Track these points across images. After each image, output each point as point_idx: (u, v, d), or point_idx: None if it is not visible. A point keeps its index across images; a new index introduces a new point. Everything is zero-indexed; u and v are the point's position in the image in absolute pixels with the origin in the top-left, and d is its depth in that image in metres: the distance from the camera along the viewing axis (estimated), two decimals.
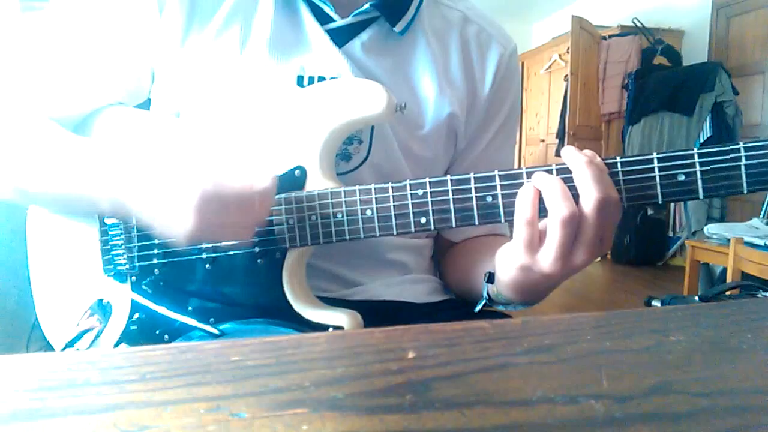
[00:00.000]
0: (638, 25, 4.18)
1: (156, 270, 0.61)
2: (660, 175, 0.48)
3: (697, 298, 1.44)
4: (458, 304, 0.73)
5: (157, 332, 0.61)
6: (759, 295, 1.30)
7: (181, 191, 0.48)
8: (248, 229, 0.52)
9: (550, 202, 0.47)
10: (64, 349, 0.62)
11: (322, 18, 0.64)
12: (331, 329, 0.58)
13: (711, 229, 2.51)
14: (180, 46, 0.62)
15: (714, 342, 0.34)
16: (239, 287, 0.60)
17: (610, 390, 0.27)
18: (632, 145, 3.96)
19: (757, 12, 3.69)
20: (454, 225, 0.52)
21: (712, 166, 0.47)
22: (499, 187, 0.51)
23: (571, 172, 0.48)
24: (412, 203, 0.53)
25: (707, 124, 3.48)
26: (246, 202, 0.49)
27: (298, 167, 0.57)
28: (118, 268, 0.62)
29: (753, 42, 3.74)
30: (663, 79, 3.83)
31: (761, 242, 2.08)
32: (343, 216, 0.55)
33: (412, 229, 0.53)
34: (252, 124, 0.61)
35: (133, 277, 0.62)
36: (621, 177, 0.48)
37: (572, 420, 0.25)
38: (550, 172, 0.49)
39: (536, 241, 0.49)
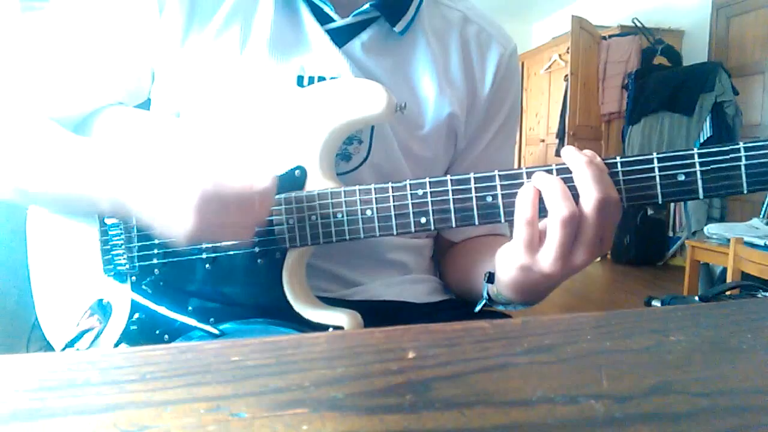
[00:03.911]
0: (638, 25, 4.17)
1: (156, 270, 0.61)
2: (660, 175, 0.48)
3: (697, 298, 1.44)
4: (458, 304, 0.73)
5: (157, 332, 0.61)
6: (759, 295, 1.30)
7: (181, 191, 0.48)
8: (248, 229, 0.52)
9: (550, 202, 0.47)
10: (64, 349, 0.62)
11: (322, 18, 0.64)
12: (331, 329, 0.58)
13: (711, 229, 2.51)
14: (180, 46, 0.62)
15: (714, 342, 0.34)
16: (239, 287, 0.60)
17: (610, 390, 0.27)
18: (632, 145, 3.96)
19: (757, 12, 3.69)
20: (454, 225, 0.52)
21: (712, 166, 0.47)
22: (499, 187, 0.51)
23: (571, 172, 0.48)
24: (412, 203, 0.53)
25: (707, 124, 3.48)
26: (246, 202, 0.49)
27: (298, 167, 0.57)
28: (118, 268, 0.62)
29: (753, 42, 3.74)
30: (663, 79, 3.83)
31: (761, 242, 2.08)
32: (343, 216, 0.55)
33: (412, 229, 0.53)
34: (252, 124, 0.61)
35: (133, 277, 0.62)
36: (621, 177, 0.48)
37: (572, 420, 0.25)
38: (550, 172, 0.49)
39: (536, 241, 0.49)
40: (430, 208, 0.53)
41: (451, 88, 0.68)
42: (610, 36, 4.27)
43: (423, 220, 0.53)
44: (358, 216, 0.55)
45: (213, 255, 0.59)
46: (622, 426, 0.24)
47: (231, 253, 0.59)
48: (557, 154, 4.45)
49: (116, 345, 0.61)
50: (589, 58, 4.27)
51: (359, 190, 0.54)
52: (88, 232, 0.64)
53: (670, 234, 3.97)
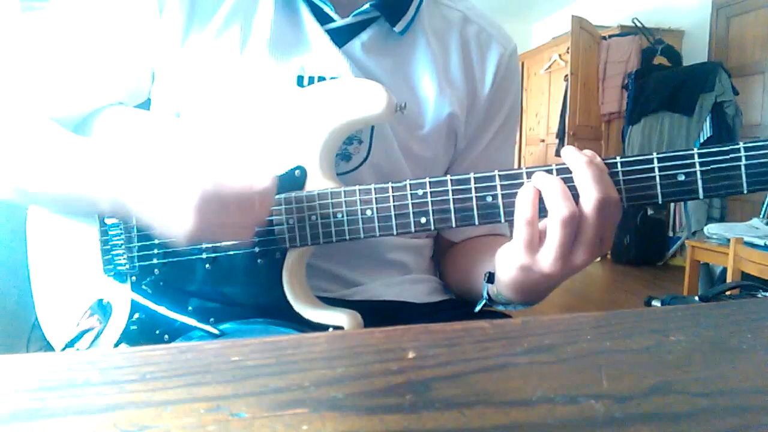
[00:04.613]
0: (638, 25, 4.17)
1: (156, 270, 0.61)
2: (660, 175, 0.48)
3: (697, 298, 1.44)
4: (458, 304, 0.73)
5: (157, 332, 0.61)
6: (759, 295, 1.30)
7: (181, 191, 0.48)
8: (248, 229, 0.52)
9: (550, 202, 0.47)
10: (64, 349, 0.62)
11: (322, 18, 0.64)
12: (331, 329, 0.58)
13: (711, 229, 2.51)
14: (180, 46, 0.62)
15: (714, 342, 0.34)
16: (239, 287, 0.60)
17: (610, 390, 0.27)
18: (632, 145, 3.96)
19: (757, 12, 3.69)
20: (454, 225, 0.52)
21: (712, 166, 0.47)
22: (499, 187, 0.51)
23: (571, 172, 0.48)
24: (412, 203, 0.53)
25: (707, 124, 3.48)
26: (246, 202, 0.49)
27: (298, 167, 0.57)
28: (118, 268, 0.62)
29: (753, 42, 3.74)
30: (663, 79, 3.83)
31: (761, 242, 2.08)
32: (343, 216, 0.55)
33: (412, 229, 0.53)
34: (252, 124, 0.61)
35: (133, 277, 0.62)
36: (621, 177, 0.48)
37: (572, 420, 0.25)
38: (550, 172, 0.49)
39: (536, 241, 0.49)
40: (430, 208, 0.53)
41: (451, 88, 0.68)
42: (610, 36, 4.27)
43: (423, 220, 0.53)
44: (358, 216, 0.55)
45: (213, 255, 0.59)
46: (622, 426, 0.24)
47: (231, 253, 0.59)
48: (557, 154, 4.45)
49: (116, 345, 0.61)
50: (589, 58, 4.27)
51: (359, 190, 0.54)
52: (88, 232, 0.64)
53: (670, 234, 3.97)
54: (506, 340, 0.34)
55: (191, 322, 0.59)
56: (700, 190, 0.47)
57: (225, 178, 0.49)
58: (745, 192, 0.46)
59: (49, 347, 0.67)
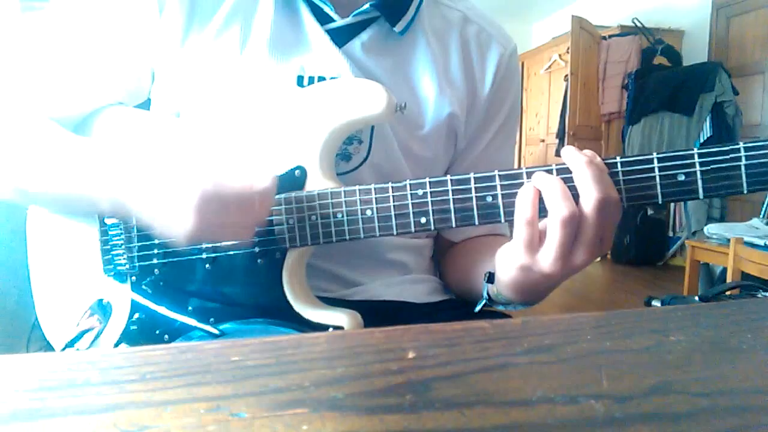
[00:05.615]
0: (638, 25, 4.18)
1: (156, 270, 0.61)
2: (660, 175, 0.48)
3: (697, 298, 1.44)
4: (458, 304, 0.73)
5: (157, 332, 0.61)
6: (759, 295, 1.30)
7: (181, 191, 0.48)
8: (248, 229, 0.52)
9: (550, 202, 0.47)
10: (64, 349, 0.62)
11: (322, 18, 0.64)
12: (331, 329, 0.58)
13: (711, 229, 2.51)
14: (180, 46, 0.62)
15: (714, 342, 0.34)
16: (239, 287, 0.60)
17: (610, 390, 0.27)
18: (632, 145, 3.96)
19: (757, 12, 3.69)
20: (454, 225, 0.52)
21: (712, 166, 0.47)
22: (499, 187, 0.51)
23: (571, 172, 0.48)
24: (412, 203, 0.53)
25: (707, 124, 3.48)
26: (246, 202, 0.49)
27: (298, 167, 0.57)
28: (118, 268, 0.62)
29: (753, 42, 3.74)
30: (663, 79, 3.83)
31: (761, 242, 2.08)
32: (343, 216, 0.55)
33: (412, 229, 0.53)
34: (252, 124, 0.61)
35: (133, 277, 0.62)
36: (621, 177, 0.48)
37: (572, 420, 0.25)
38: (550, 172, 0.49)
39: (536, 241, 0.49)
40: (430, 208, 0.53)
41: (451, 88, 0.68)
42: (610, 36, 4.27)
43: (423, 220, 0.53)
44: (358, 216, 0.55)
45: (213, 255, 0.59)
46: (622, 426, 0.24)
47: (231, 253, 0.59)
48: (557, 154, 4.45)
49: (116, 345, 0.61)
50: (589, 58, 4.27)
51: (359, 190, 0.54)
52: (88, 232, 0.64)
53: (670, 234, 3.97)
54: (506, 340, 0.34)
55: (191, 322, 0.59)
56: (700, 190, 0.47)
57: (225, 178, 0.49)
58: (745, 192, 0.46)
59: (49, 347, 0.67)
